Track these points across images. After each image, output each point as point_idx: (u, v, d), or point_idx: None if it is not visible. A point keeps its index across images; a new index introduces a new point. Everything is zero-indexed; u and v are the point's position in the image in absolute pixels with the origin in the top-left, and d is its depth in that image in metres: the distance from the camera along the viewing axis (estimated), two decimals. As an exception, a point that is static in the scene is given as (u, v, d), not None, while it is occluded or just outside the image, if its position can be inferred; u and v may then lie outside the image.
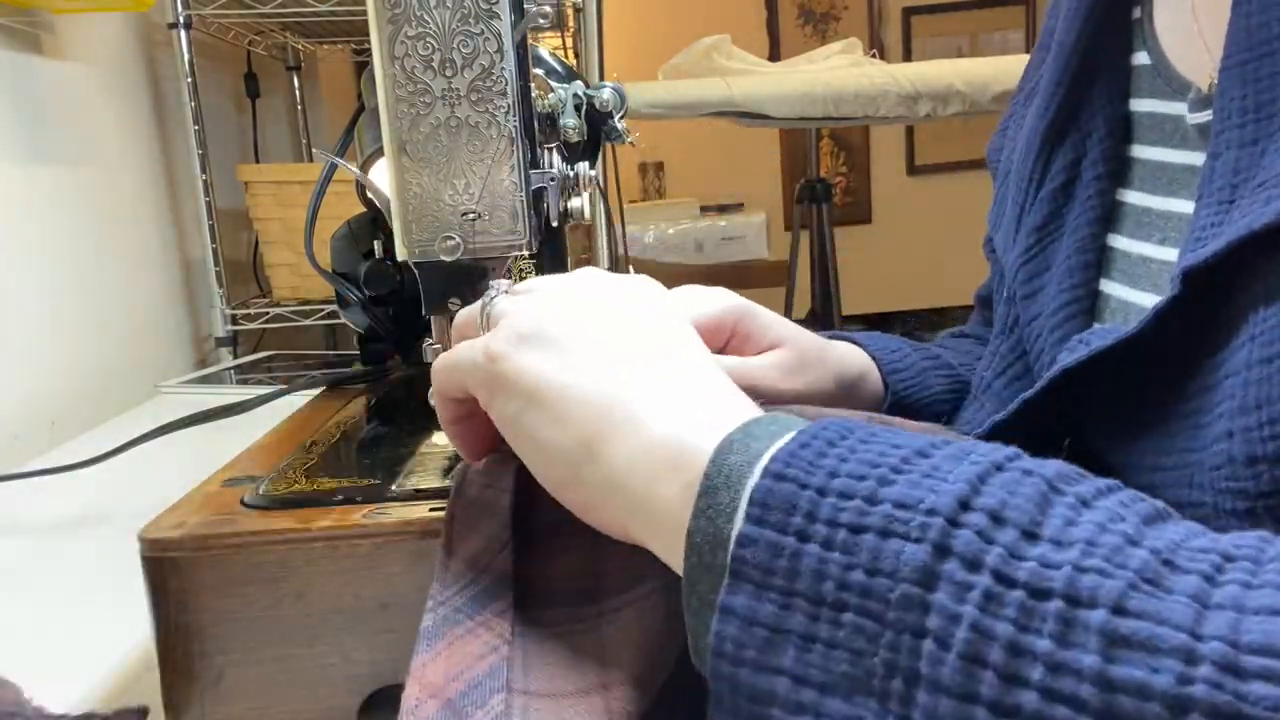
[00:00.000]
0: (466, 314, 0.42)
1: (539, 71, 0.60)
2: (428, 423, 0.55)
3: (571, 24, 1.57)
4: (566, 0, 1.47)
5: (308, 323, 1.45)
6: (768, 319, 0.52)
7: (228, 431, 0.72)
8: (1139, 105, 0.48)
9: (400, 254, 0.46)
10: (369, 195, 0.68)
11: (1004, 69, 1.94)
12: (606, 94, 0.58)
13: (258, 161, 1.73)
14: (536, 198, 0.48)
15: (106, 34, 1.29)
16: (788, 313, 2.48)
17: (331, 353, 1.58)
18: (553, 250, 0.66)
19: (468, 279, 0.49)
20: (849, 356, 0.57)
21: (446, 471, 0.52)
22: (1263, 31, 0.37)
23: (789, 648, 0.27)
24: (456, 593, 0.37)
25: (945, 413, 0.59)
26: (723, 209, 3.46)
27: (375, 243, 0.71)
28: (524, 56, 0.46)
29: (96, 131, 1.25)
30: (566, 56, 1.62)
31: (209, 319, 1.44)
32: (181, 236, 1.45)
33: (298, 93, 1.87)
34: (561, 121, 0.57)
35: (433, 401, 0.50)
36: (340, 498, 0.48)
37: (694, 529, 0.30)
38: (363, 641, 0.45)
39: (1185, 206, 0.43)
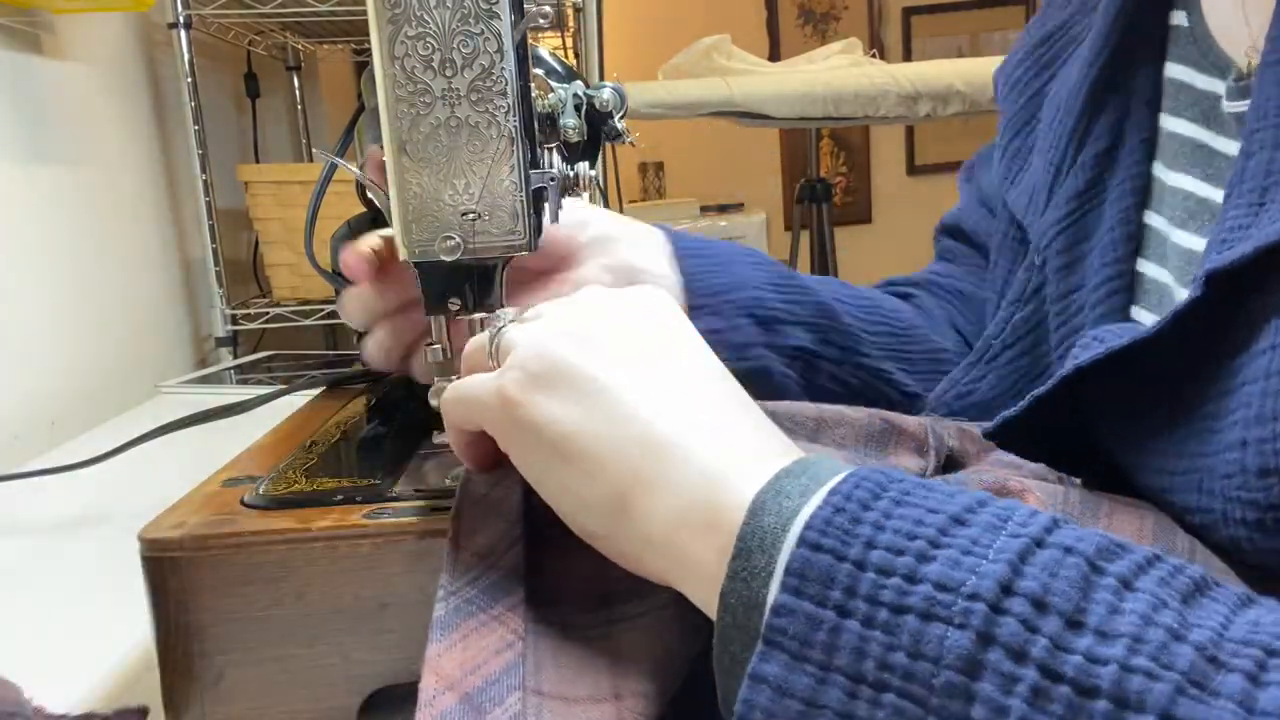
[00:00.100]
0: (476, 344, 0.42)
1: (539, 71, 0.60)
2: (428, 423, 0.55)
3: (571, 24, 1.57)
4: (566, 0, 1.47)
5: (308, 323, 1.45)
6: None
7: (228, 431, 0.72)
8: (1170, 70, 0.47)
9: (400, 254, 0.46)
10: (369, 195, 0.68)
11: (1004, 69, 1.94)
12: (606, 94, 0.58)
13: (258, 161, 1.73)
14: (536, 197, 0.48)
15: (106, 34, 1.29)
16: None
17: (331, 353, 1.58)
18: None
19: (468, 279, 0.48)
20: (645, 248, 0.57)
21: (446, 469, 0.52)
22: None
23: None
24: (468, 583, 0.37)
25: (765, 299, 0.57)
26: (723, 209, 3.46)
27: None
28: (524, 56, 0.46)
29: (96, 131, 1.25)
30: (566, 56, 1.62)
31: (209, 319, 1.44)
32: (181, 236, 1.45)
33: (298, 93, 1.86)
34: (561, 121, 0.57)
35: (433, 402, 0.50)
36: (340, 498, 0.48)
37: (728, 590, 0.29)
38: (363, 641, 0.45)
39: (1195, 186, 0.43)
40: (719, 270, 0.57)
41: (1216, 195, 0.42)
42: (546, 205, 0.49)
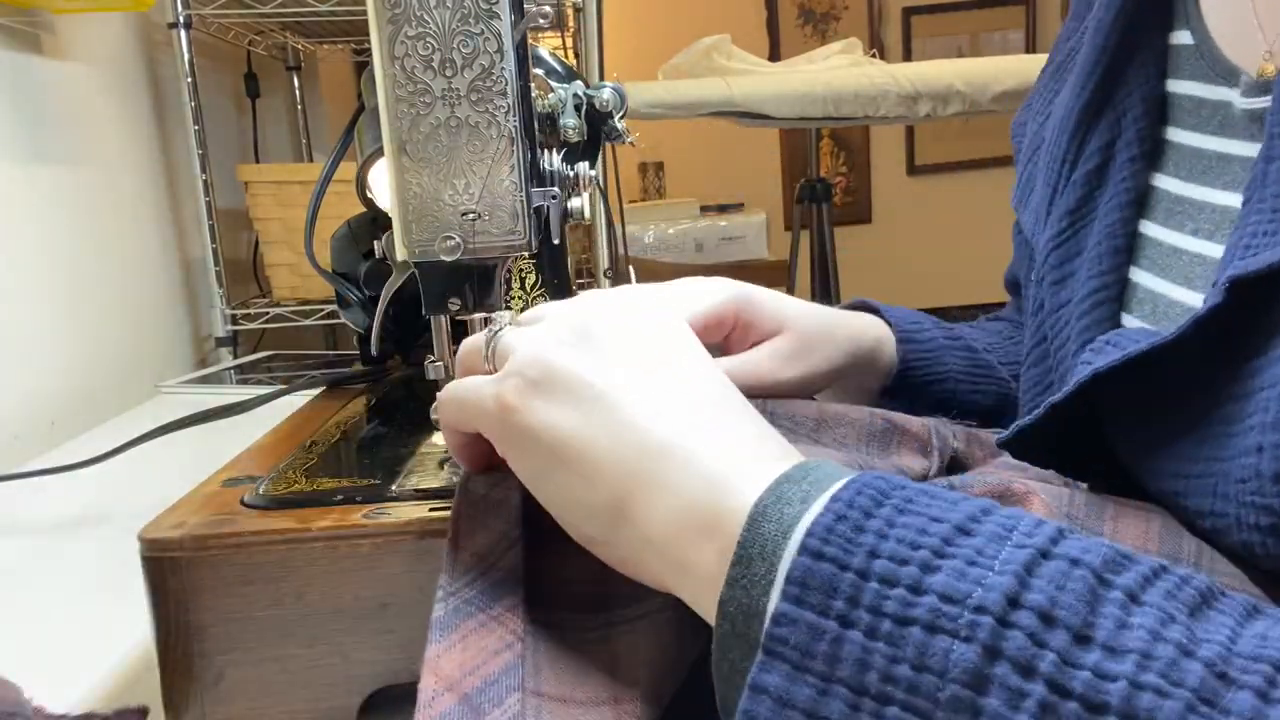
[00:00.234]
0: (471, 345, 0.42)
1: (539, 71, 0.60)
2: (427, 423, 0.55)
3: (571, 24, 1.57)
4: (566, 0, 1.47)
5: (308, 323, 1.45)
6: (769, 305, 0.51)
7: (228, 431, 0.72)
8: (1177, 86, 0.47)
9: (400, 254, 0.46)
10: (368, 195, 0.68)
11: (1004, 69, 1.94)
12: (606, 94, 0.58)
13: (258, 161, 1.73)
14: (537, 213, 0.48)
15: (106, 34, 1.29)
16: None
17: (331, 353, 1.58)
18: (553, 255, 0.66)
19: (468, 279, 0.48)
20: (867, 327, 0.56)
21: (443, 464, 0.52)
22: None
23: None
24: (467, 584, 0.37)
25: (960, 393, 0.58)
26: (723, 209, 3.45)
27: (375, 243, 0.71)
28: (524, 56, 0.46)
29: (96, 131, 1.25)
30: (566, 56, 1.62)
31: (209, 319, 1.44)
32: (181, 236, 1.45)
33: (298, 93, 1.86)
34: (561, 121, 0.57)
35: (434, 417, 0.50)
36: (340, 498, 0.48)
37: (727, 598, 0.29)
38: (363, 641, 0.45)
39: (1219, 197, 0.43)
40: (930, 361, 0.58)
41: (1238, 202, 0.42)
42: (547, 220, 0.49)
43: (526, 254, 0.49)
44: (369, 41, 0.44)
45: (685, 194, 3.67)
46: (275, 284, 1.48)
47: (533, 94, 0.49)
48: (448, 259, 0.46)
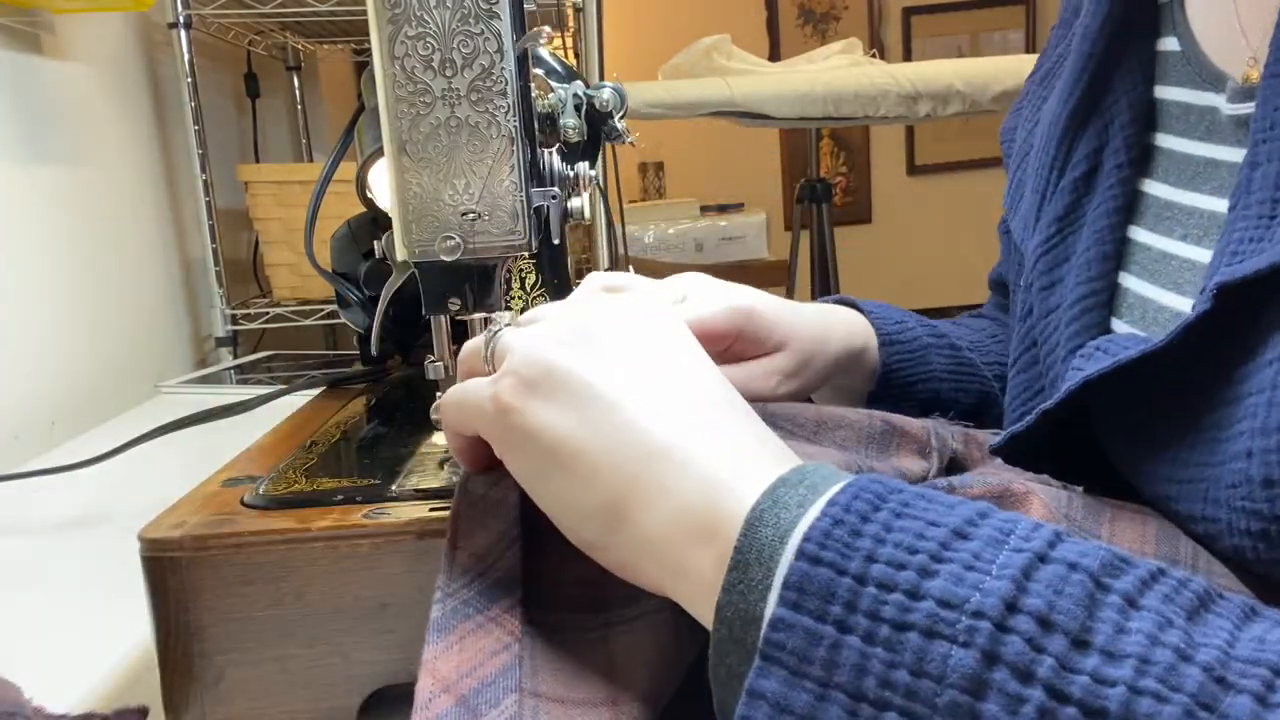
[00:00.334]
0: (472, 348, 0.42)
1: (539, 71, 0.60)
2: (427, 423, 0.55)
3: (571, 24, 1.57)
4: (566, 0, 1.47)
5: (308, 323, 1.45)
6: (773, 319, 0.51)
7: (228, 431, 0.72)
8: (1164, 93, 0.47)
9: (400, 254, 0.46)
10: (368, 195, 0.68)
11: (1004, 69, 1.94)
12: (606, 94, 0.58)
13: (258, 161, 1.73)
14: (537, 214, 0.48)
15: (106, 34, 1.29)
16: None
17: (331, 353, 1.58)
18: (553, 255, 0.66)
19: (467, 279, 0.48)
20: (855, 333, 0.56)
21: (443, 464, 0.52)
22: None
23: None
24: (464, 585, 0.37)
25: (943, 392, 0.58)
26: (723, 209, 3.45)
27: (375, 243, 0.71)
28: (524, 56, 0.46)
29: (96, 131, 1.25)
30: (566, 56, 1.62)
31: (209, 319, 1.44)
32: (181, 236, 1.45)
33: (298, 93, 1.86)
34: (561, 121, 0.57)
35: (434, 417, 0.50)
36: (340, 498, 0.48)
37: (724, 603, 0.29)
38: (363, 641, 0.45)
39: (1207, 202, 0.43)
40: (914, 362, 0.58)
41: (1212, 204, 0.42)
42: (547, 220, 0.49)
43: (526, 254, 0.49)
44: (369, 41, 0.44)
45: (685, 194, 3.68)
46: (275, 284, 1.48)
47: (533, 94, 0.49)
48: (448, 259, 0.46)
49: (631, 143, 0.63)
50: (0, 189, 1.03)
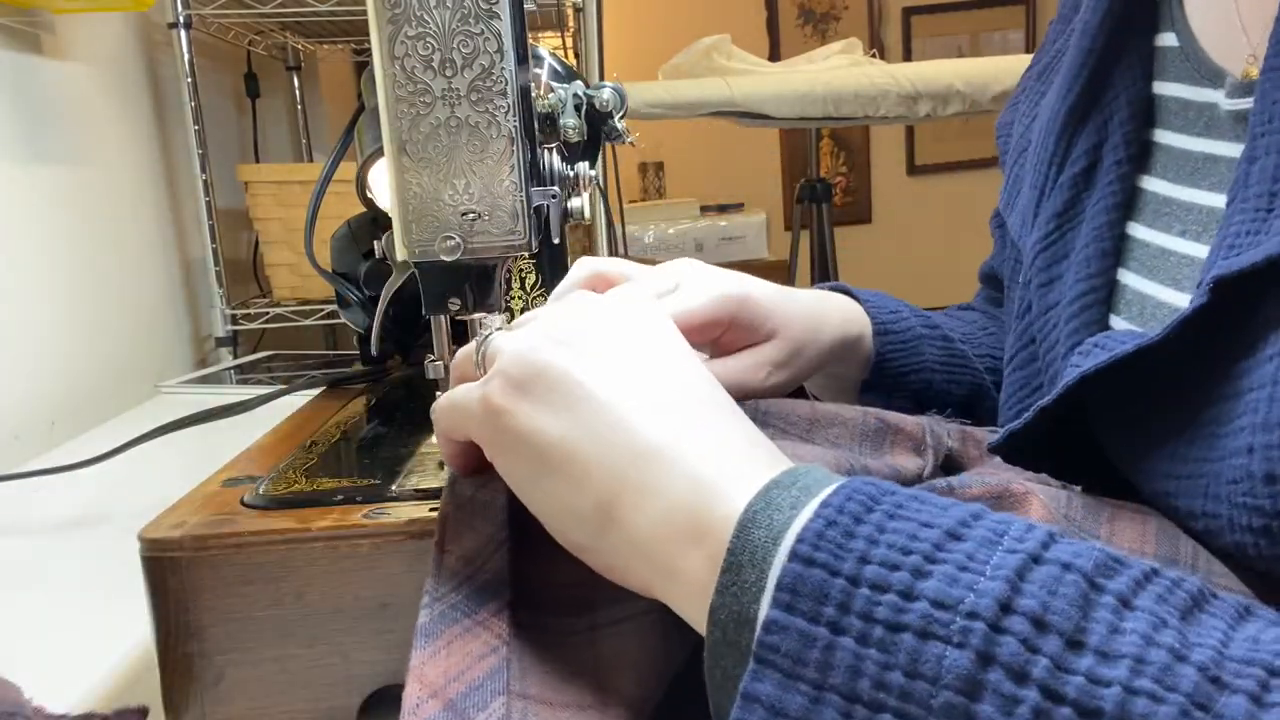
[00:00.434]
0: (464, 353, 0.42)
1: (539, 71, 0.60)
2: (427, 423, 0.55)
3: (571, 24, 1.57)
4: (566, 0, 1.47)
5: (308, 323, 1.45)
6: (767, 307, 0.51)
7: (228, 431, 0.72)
8: (1163, 89, 0.47)
9: (400, 254, 0.46)
10: (368, 195, 0.68)
11: (1004, 69, 1.94)
12: (606, 94, 0.58)
13: (258, 161, 1.73)
14: (537, 213, 0.48)
15: (106, 34, 1.29)
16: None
17: (331, 353, 1.58)
18: (553, 255, 0.66)
19: (467, 279, 0.48)
20: (850, 321, 0.56)
21: (443, 464, 0.52)
22: None
23: None
24: (452, 589, 0.37)
25: (935, 383, 0.58)
26: (723, 209, 3.45)
27: (375, 243, 0.71)
28: (524, 56, 0.46)
29: (96, 131, 1.25)
30: (566, 56, 1.62)
31: (209, 319, 1.44)
32: (181, 236, 1.45)
33: (298, 93, 1.86)
34: (561, 121, 0.57)
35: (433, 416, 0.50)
36: (340, 498, 0.48)
37: (717, 605, 0.29)
38: (363, 641, 0.45)
39: (1206, 198, 0.43)
40: (907, 352, 0.57)
41: (1211, 200, 0.42)
42: (547, 219, 0.49)
43: (526, 254, 0.49)
44: (369, 41, 0.44)
45: (685, 194, 3.67)
46: (275, 284, 1.48)
47: (533, 94, 0.49)
48: (447, 259, 0.46)
49: (631, 143, 0.63)
50: (0, 189, 1.03)
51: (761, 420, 0.45)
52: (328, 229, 0.73)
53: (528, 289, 0.68)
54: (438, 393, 0.50)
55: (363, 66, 1.67)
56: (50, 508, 0.76)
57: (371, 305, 0.72)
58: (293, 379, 1.11)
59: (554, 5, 1.49)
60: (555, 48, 1.74)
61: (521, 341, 0.37)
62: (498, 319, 0.43)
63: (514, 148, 0.45)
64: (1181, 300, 0.42)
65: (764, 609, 0.28)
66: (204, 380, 1.25)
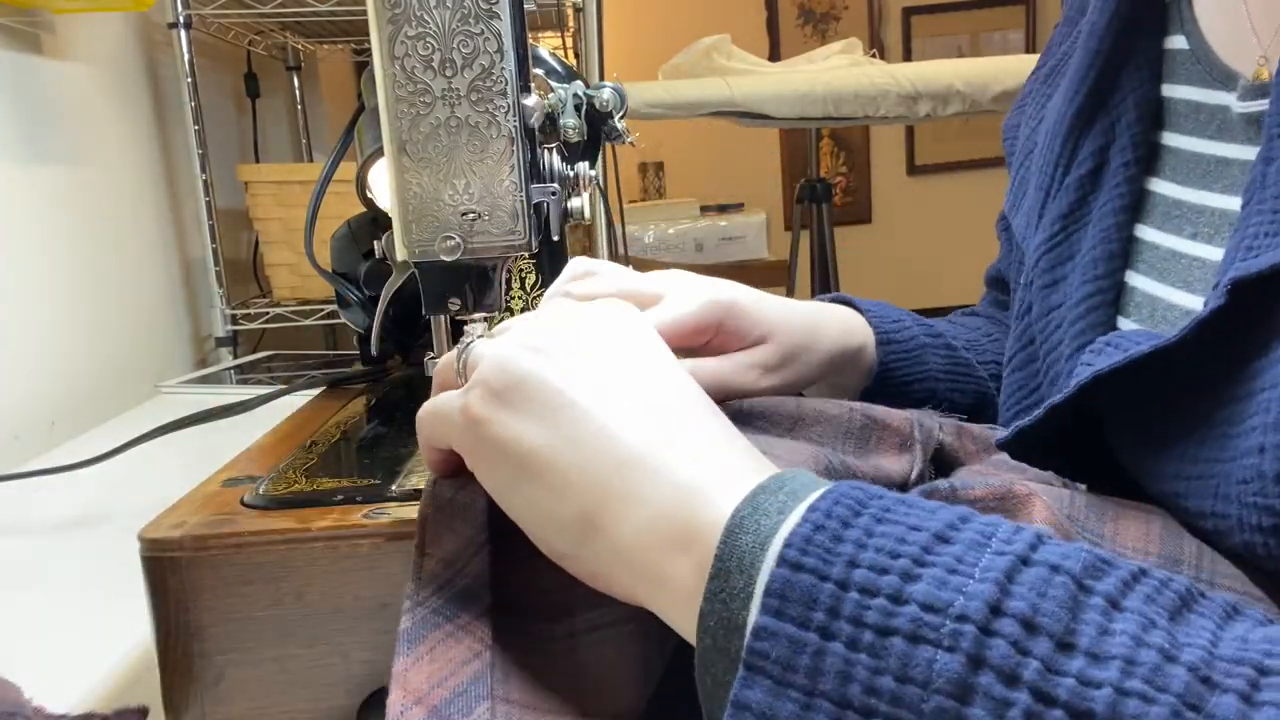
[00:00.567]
0: (445, 362, 0.42)
1: (539, 71, 0.60)
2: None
3: (571, 24, 1.57)
4: (566, 0, 1.47)
5: (308, 323, 1.45)
6: (755, 313, 0.51)
7: (228, 431, 0.72)
8: (1172, 91, 0.47)
9: (400, 254, 0.46)
10: (368, 195, 0.68)
11: (1004, 69, 1.94)
12: (606, 94, 0.58)
13: (258, 161, 1.73)
14: (537, 211, 0.48)
15: (106, 34, 1.29)
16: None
17: (331, 353, 1.58)
18: (553, 255, 0.66)
19: (467, 279, 0.48)
20: (851, 331, 0.56)
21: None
22: None
23: None
24: (433, 593, 0.37)
25: (939, 392, 0.58)
26: (723, 209, 3.45)
27: (375, 243, 0.71)
28: (524, 56, 0.46)
29: (96, 131, 1.25)
30: (566, 56, 1.62)
31: (209, 319, 1.44)
32: (181, 236, 1.45)
33: (298, 93, 1.86)
34: (561, 121, 0.57)
35: (417, 424, 0.50)
36: (340, 498, 0.48)
37: (706, 612, 0.29)
38: (363, 641, 0.45)
39: (1218, 200, 0.43)
40: (910, 361, 0.58)
41: (1238, 205, 0.42)
42: (547, 217, 0.49)
43: (526, 254, 0.49)
44: (369, 41, 0.44)
45: (685, 194, 3.67)
46: (275, 284, 1.48)
47: (533, 94, 0.49)
48: (447, 259, 0.46)
49: (631, 143, 0.63)
50: (0, 189, 1.03)
51: (744, 419, 0.45)
52: (328, 229, 0.73)
53: (528, 289, 0.68)
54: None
55: (363, 66, 1.67)
56: (50, 508, 0.76)
57: (371, 305, 0.72)
58: (293, 379, 1.11)
59: (554, 5, 1.49)
60: (555, 48, 1.74)
61: (501, 350, 0.37)
62: (479, 326, 0.43)
63: (514, 148, 0.45)
64: (1193, 302, 0.42)
65: (753, 615, 0.27)
66: (204, 380, 1.25)
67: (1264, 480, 0.33)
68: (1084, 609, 0.25)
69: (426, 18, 0.43)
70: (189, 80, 1.34)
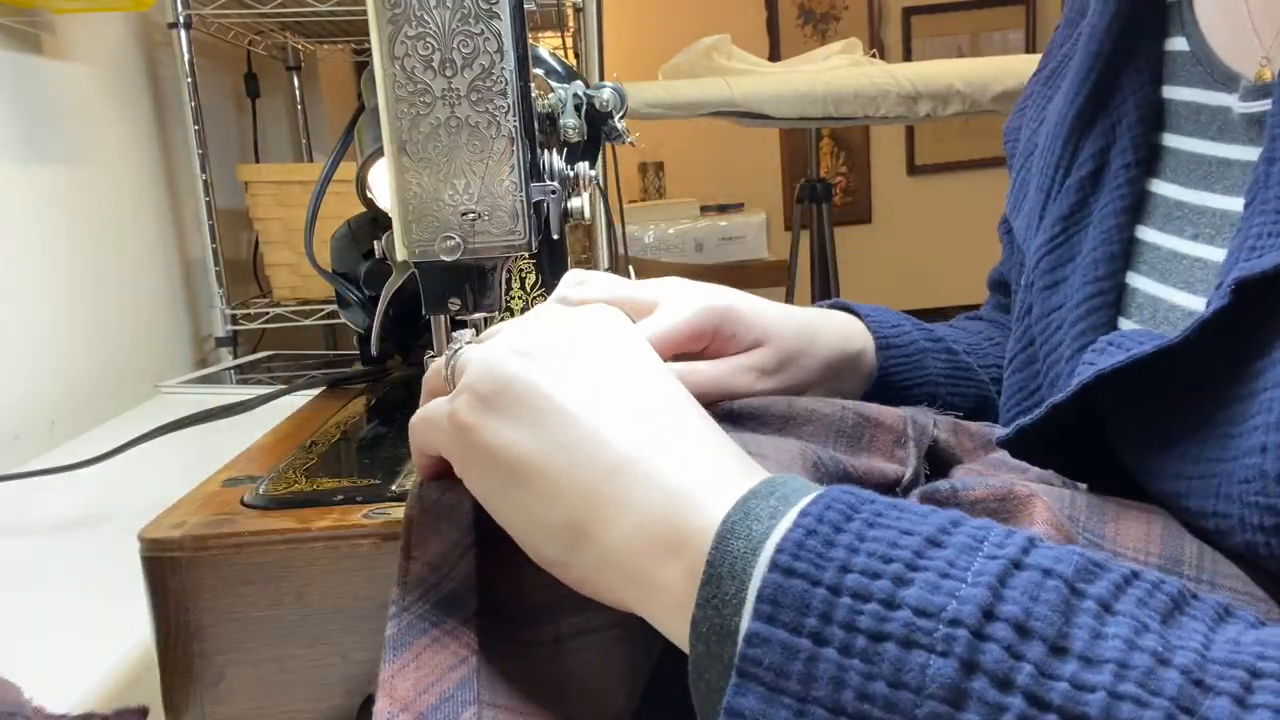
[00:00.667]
0: (434, 368, 0.41)
1: (539, 71, 0.60)
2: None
3: (571, 24, 1.57)
4: (566, 0, 1.47)
5: (308, 323, 1.45)
6: (751, 317, 0.51)
7: (228, 431, 0.72)
8: (1173, 93, 0.47)
9: (400, 254, 0.46)
10: (368, 195, 0.68)
11: (1004, 69, 1.94)
12: (606, 94, 0.58)
13: (258, 161, 1.73)
14: (537, 209, 0.48)
15: (106, 34, 1.29)
16: (788, 313, 2.48)
17: (331, 353, 1.58)
18: (553, 254, 0.66)
19: (467, 279, 0.48)
20: (851, 337, 0.56)
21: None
22: None
23: None
24: (419, 598, 0.37)
25: (939, 396, 0.58)
26: (723, 209, 3.45)
27: (375, 243, 0.71)
28: (524, 56, 0.46)
29: (96, 131, 1.25)
30: (566, 56, 1.62)
31: (209, 319, 1.44)
32: (181, 236, 1.45)
33: (298, 93, 1.86)
34: (561, 121, 0.57)
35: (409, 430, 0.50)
36: (340, 498, 0.48)
37: (698, 618, 0.29)
38: (363, 642, 0.45)
39: (1219, 201, 0.43)
40: (910, 366, 0.58)
41: (1239, 206, 0.42)
42: (547, 215, 0.49)
43: (526, 254, 0.49)
44: (369, 41, 0.44)
45: (685, 194, 3.67)
46: (275, 284, 1.48)
47: (533, 94, 0.49)
48: (448, 259, 0.46)
49: (631, 143, 0.63)
50: (0, 189, 1.03)
51: (735, 419, 0.45)
52: (328, 229, 0.73)
53: (528, 289, 0.68)
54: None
55: (363, 66, 1.67)
56: (50, 508, 0.76)
57: (371, 305, 0.72)
58: (293, 379, 1.11)
59: (554, 5, 1.49)
60: (555, 48, 1.74)
61: (488, 355, 0.36)
62: (467, 332, 0.43)
63: (514, 148, 0.45)
64: (1195, 303, 0.42)
65: (745, 621, 0.27)
66: (204, 380, 1.25)
67: (1266, 480, 0.33)
68: (1077, 612, 0.25)
69: (426, 18, 0.43)
70: (189, 80, 1.34)
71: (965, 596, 0.25)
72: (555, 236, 0.51)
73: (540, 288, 0.68)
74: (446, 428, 0.36)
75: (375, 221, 0.71)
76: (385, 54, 0.43)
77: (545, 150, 0.51)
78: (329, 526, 0.44)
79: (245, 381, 1.24)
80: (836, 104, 1.90)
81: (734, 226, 3.27)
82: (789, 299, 2.70)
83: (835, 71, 2.02)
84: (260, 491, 0.49)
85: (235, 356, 1.42)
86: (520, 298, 0.68)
